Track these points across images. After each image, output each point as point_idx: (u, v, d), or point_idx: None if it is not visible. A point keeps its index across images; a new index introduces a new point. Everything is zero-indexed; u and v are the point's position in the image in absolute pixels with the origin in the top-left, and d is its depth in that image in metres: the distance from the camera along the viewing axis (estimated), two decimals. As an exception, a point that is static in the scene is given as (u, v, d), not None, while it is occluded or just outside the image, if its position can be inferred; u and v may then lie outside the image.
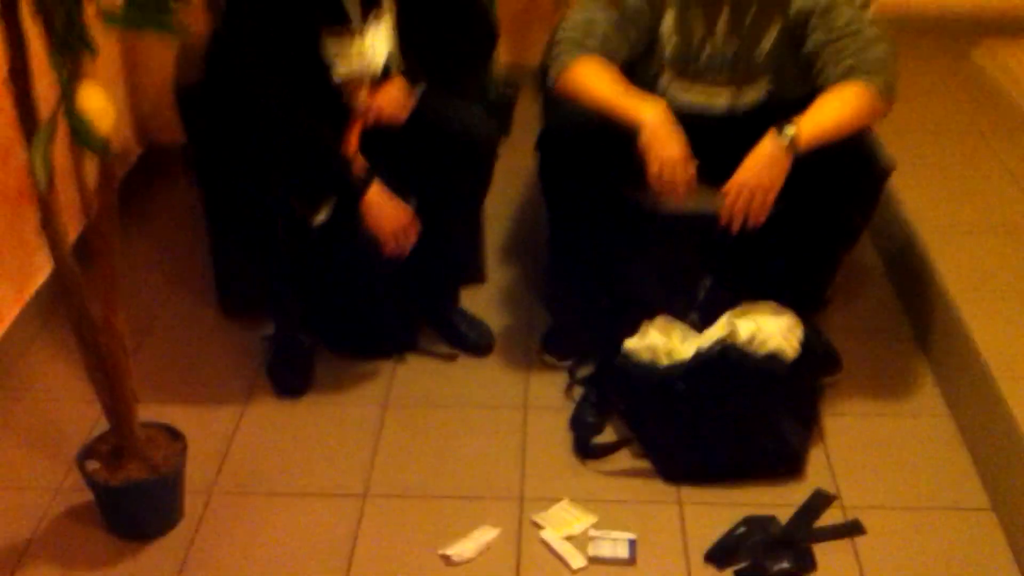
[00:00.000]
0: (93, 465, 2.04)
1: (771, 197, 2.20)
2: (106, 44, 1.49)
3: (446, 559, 2.07)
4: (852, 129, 2.22)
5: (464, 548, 2.09)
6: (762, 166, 2.19)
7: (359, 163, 2.38)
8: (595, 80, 2.31)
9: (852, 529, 2.13)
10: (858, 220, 2.42)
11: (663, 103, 2.26)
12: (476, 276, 2.86)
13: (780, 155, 2.18)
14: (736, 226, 2.23)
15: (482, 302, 2.77)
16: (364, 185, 2.31)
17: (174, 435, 2.12)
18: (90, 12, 1.52)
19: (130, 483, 2.03)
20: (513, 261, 2.99)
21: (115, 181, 1.74)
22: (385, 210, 2.32)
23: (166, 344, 2.68)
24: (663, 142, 2.22)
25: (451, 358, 2.61)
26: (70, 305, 1.84)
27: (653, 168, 2.22)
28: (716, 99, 2.43)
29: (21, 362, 2.59)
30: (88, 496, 2.11)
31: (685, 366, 2.25)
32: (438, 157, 2.43)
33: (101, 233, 1.79)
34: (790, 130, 2.17)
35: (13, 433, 2.39)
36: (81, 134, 1.50)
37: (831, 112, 2.22)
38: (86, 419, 2.35)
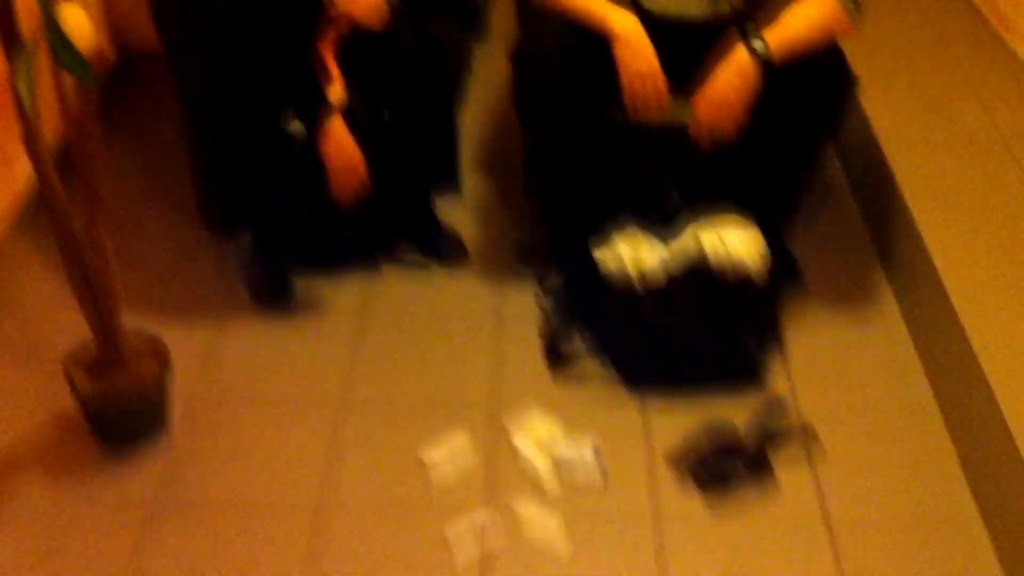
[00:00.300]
0: (78, 373, 2.09)
1: (740, 111, 2.25)
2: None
3: (420, 462, 2.16)
4: (820, 42, 2.25)
5: (438, 452, 2.18)
6: (731, 79, 2.23)
7: (333, 74, 2.41)
8: None
9: (806, 435, 2.23)
10: (822, 133, 2.47)
11: (633, 16, 2.27)
12: (450, 185, 2.88)
13: (749, 68, 2.22)
14: (706, 140, 2.28)
15: (456, 212, 2.82)
16: (325, 113, 2.33)
17: (157, 345, 2.17)
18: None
19: (115, 392, 2.10)
20: (488, 171, 3.03)
21: (95, 99, 1.76)
22: (336, 145, 2.35)
23: (147, 256, 2.71)
24: (635, 55, 2.25)
25: (425, 268, 2.67)
26: (54, 221, 1.88)
27: (625, 81, 2.27)
28: (688, 7, 2.44)
29: (4, 271, 2.62)
30: (73, 404, 2.16)
31: (650, 277, 2.32)
32: (412, 68, 2.45)
33: (82, 149, 1.82)
34: (758, 43, 2.21)
35: (-1, 342, 2.44)
36: (62, 56, 1.53)
37: (799, 24, 2.25)
38: (73, 327, 2.39)
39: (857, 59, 2.38)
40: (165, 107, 3.03)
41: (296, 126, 2.38)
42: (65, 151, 1.89)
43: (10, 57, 1.66)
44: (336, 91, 2.39)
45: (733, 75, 2.23)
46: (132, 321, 2.14)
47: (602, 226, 2.44)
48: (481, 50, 3.02)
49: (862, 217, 2.84)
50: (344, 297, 2.59)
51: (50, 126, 1.84)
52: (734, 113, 2.25)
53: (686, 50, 2.32)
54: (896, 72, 3.07)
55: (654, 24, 2.33)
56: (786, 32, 2.24)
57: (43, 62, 1.66)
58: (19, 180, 2.73)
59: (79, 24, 1.57)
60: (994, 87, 2.98)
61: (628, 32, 2.25)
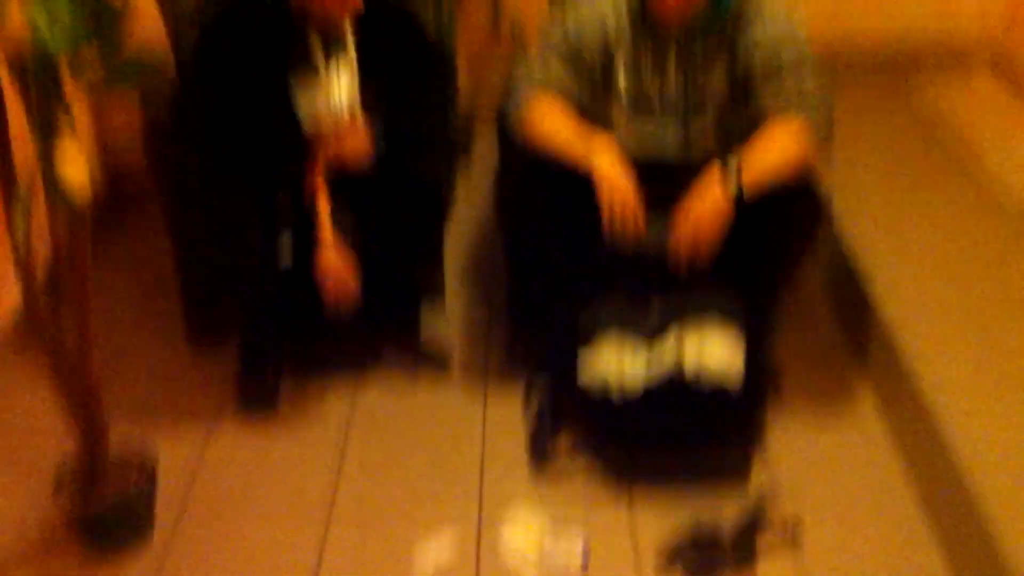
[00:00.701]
0: (67, 487, 2.13)
1: (715, 240, 2.32)
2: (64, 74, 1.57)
3: (408, 565, 2.18)
4: (791, 168, 2.33)
5: (425, 554, 2.20)
6: (705, 214, 2.30)
7: (323, 210, 2.47)
8: (550, 121, 2.42)
9: (789, 528, 2.26)
10: (799, 249, 2.52)
11: (615, 146, 2.36)
12: (436, 292, 2.94)
13: (723, 204, 2.29)
14: (683, 269, 2.37)
15: (442, 320, 2.86)
16: (318, 229, 2.40)
17: (144, 455, 2.20)
18: (64, 73, 1.59)
19: (101, 502, 2.12)
20: (473, 276, 3.09)
21: (87, 226, 1.82)
22: (329, 261, 2.42)
23: (134, 371, 2.74)
24: (615, 185, 2.33)
25: (412, 375, 2.71)
26: (43, 341, 1.92)
27: (606, 215, 2.34)
28: (666, 133, 2.53)
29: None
30: (61, 513, 2.19)
31: (636, 392, 2.37)
32: (398, 197, 2.52)
33: (73, 272, 1.87)
34: (732, 180, 2.29)
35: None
36: (57, 192, 1.58)
37: (772, 155, 2.33)
38: (61, 438, 2.42)
39: (832, 181, 2.46)
40: (152, 224, 3.08)
41: (286, 244, 2.44)
42: (55, 267, 1.92)
43: (6, 194, 1.72)
44: (325, 211, 2.45)
45: (708, 207, 2.30)
46: (120, 429, 2.18)
47: (585, 333, 2.49)
48: (467, 179, 3.11)
49: (839, 324, 2.89)
50: (331, 404, 2.63)
51: (40, 244, 1.87)
52: (709, 242, 2.33)
53: (662, 184, 2.40)
54: (869, 188, 3.14)
55: (632, 160, 2.41)
56: (758, 165, 2.31)
57: (36, 185, 1.71)
58: (10, 294, 2.77)
59: (74, 160, 1.62)
60: (960, 204, 3.06)
61: (608, 163, 2.33)
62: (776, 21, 2.40)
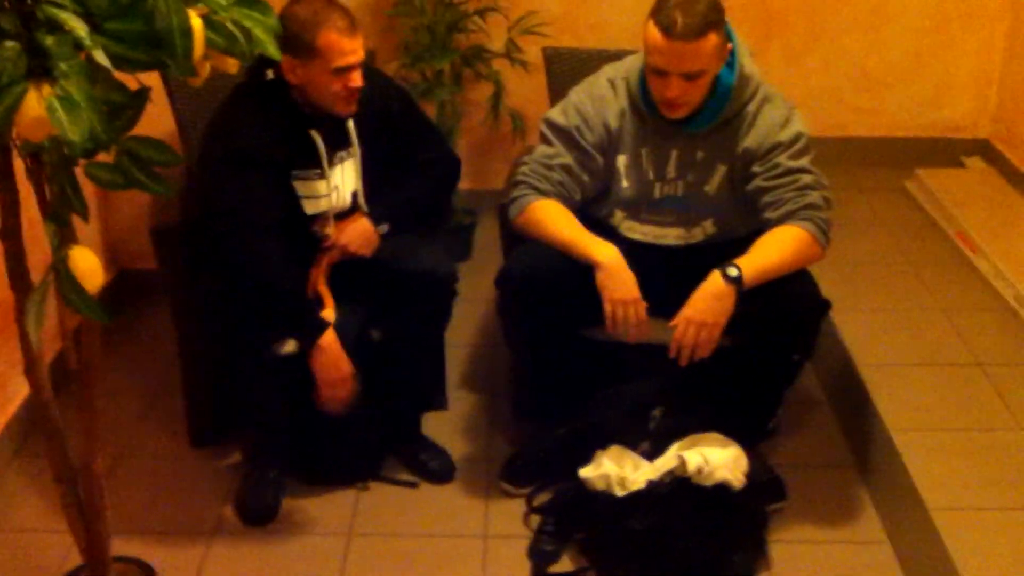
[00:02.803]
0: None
1: (716, 332, 2.34)
2: (78, 171, 1.60)
3: None
4: (790, 269, 2.38)
5: None
6: (708, 302, 2.34)
7: (326, 299, 2.50)
8: (551, 222, 2.46)
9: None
10: (798, 358, 2.55)
11: (614, 246, 2.40)
12: (438, 403, 2.95)
13: (725, 292, 2.33)
14: (684, 359, 2.37)
15: (443, 428, 2.86)
16: (319, 331, 2.41)
17: (146, 571, 2.19)
18: (78, 171, 1.61)
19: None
20: (474, 387, 3.08)
21: (98, 337, 1.84)
22: (329, 359, 2.42)
23: (137, 473, 2.74)
24: (616, 283, 2.37)
25: (412, 486, 2.70)
26: (50, 449, 1.92)
27: (607, 307, 2.37)
28: (664, 238, 2.58)
29: (-3, 493, 2.65)
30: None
31: (638, 498, 2.36)
32: (400, 296, 2.54)
33: (83, 381, 1.88)
34: (733, 271, 2.33)
35: (-15, 564, 2.44)
36: (73, 302, 1.59)
37: (771, 253, 2.38)
38: (59, 551, 2.40)
39: (833, 281, 2.50)
40: (157, 322, 3.11)
41: (290, 347, 2.45)
42: (60, 367, 1.93)
43: (20, 298, 1.73)
44: (328, 311, 2.47)
45: (711, 300, 2.34)
46: (120, 539, 2.15)
47: (588, 445, 2.49)
48: (469, 269, 3.14)
49: (840, 430, 2.89)
50: (332, 514, 2.60)
51: (49, 344, 1.89)
52: (711, 334, 2.35)
53: (664, 272, 2.44)
54: (869, 293, 3.18)
55: (634, 249, 2.45)
56: (758, 260, 2.36)
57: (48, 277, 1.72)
58: (13, 401, 2.77)
59: (90, 267, 1.64)
60: (962, 306, 3.10)
61: (610, 261, 2.37)
62: (774, 128, 2.46)
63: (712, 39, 2.31)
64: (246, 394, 2.59)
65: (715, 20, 2.31)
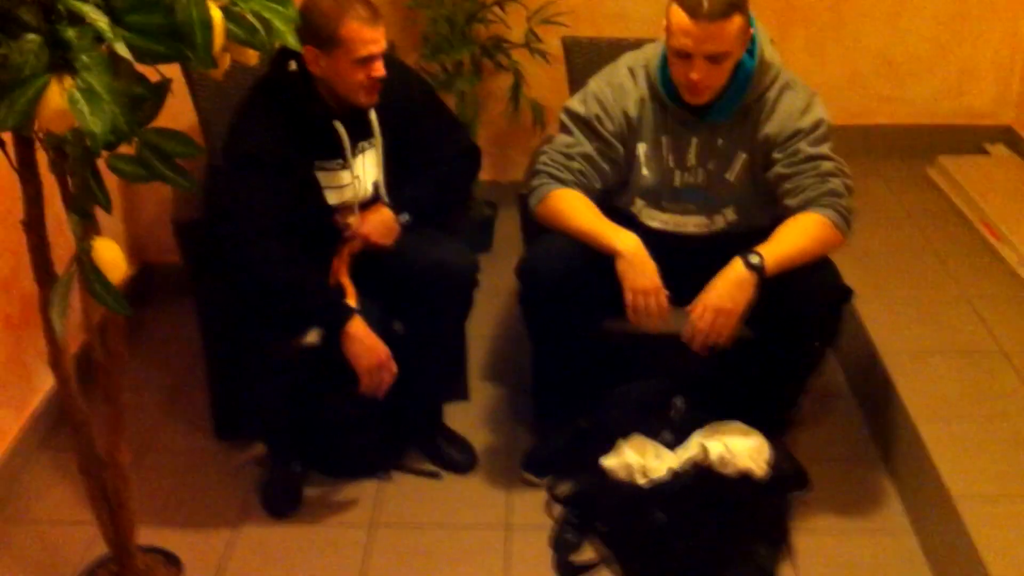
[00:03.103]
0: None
1: (734, 319, 2.32)
2: (101, 163, 1.60)
3: None
4: (812, 257, 2.37)
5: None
6: (728, 288, 2.32)
7: (349, 290, 2.51)
8: (571, 212, 2.45)
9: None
10: (820, 346, 2.54)
11: (635, 235, 2.39)
12: (459, 394, 2.95)
13: (746, 279, 2.31)
14: (698, 344, 2.35)
15: (465, 420, 2.86)
16: (346, 318, 2.40)
17: (172, 560, 2.20)
18: (101, 164, 1.61)
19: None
20: (496, 378, 3.09)
21: (123, 329, 1.85)
22: (363, 345, 2.41)
23: (161, 465, 2.76)
24: (637, 272, 2.35)
25: (435, 476, 2.70)
26: (77, 440, 1.93)
27: (628, 297, 2.36)
28: (685, 227, 2.57)
29: (18, 484, 2.66)
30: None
31: (661, 488, 2.36)
32: (421, 288, 2.54)
33: (108, 371, 1.89)
34: (755, 257, 2.31)
35: (11, 557, 2.45)
36: (96, 290, 1.61)
37: (792, 240, 2.37)
38: (84, 541, 2.42)
39: (856, 271, 2.48)
40: (181, 315, 3.13)
41: (313, 337, 2.45)
42: (85, 359, 1.94)
43: (45, 289, 1.74)
44: (352, 301, 2.48)
45: (731, 286, 2.32)
46: (145, 530, 2.17)
47: (610, 435, 2.49)
48: (489, 261, 3.13)
49: (864, 421, 2.88)
50: (356, 505, 2.61)
51: (73, 336, 1.89)
52: (730, 321, 2.33)
53: (685, 261, 2.43)
54: (893, 282, 3.16)
55: (654, 238, 2.45)
56: (780, 247, 2.35)
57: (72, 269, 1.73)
58: (38, 393, 2.80)
59: (113, 258, 1.65)
60: (987, 295, 3.08)
61: (631, 250, 2.36)
62: (794, 114, 2.45)
63: (737, 20, 2.29)
64: (268, 387, 2.59)
65: (739, 2, 2.30)
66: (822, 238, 2.38)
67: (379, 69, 2.39)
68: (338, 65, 2.37)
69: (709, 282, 2.35)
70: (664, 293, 2.37)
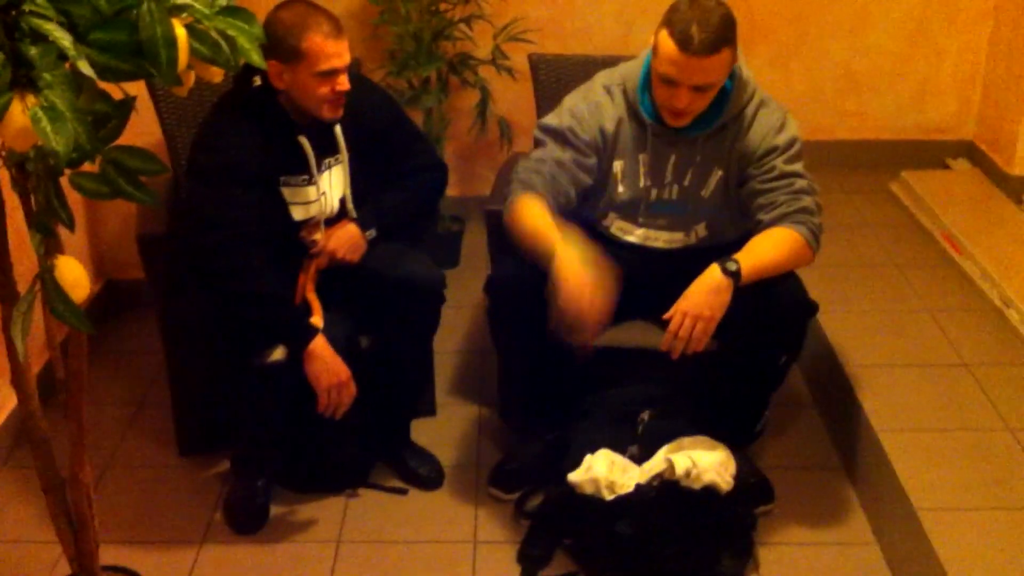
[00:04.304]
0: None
1: (712, 326, 2.32)
2: (63, 180, 1.59)
3: None
4: (783, 270, 2.39)
5: None
6: (705, 295, 2.32)
7: (315, 306, 2.50)
8: (527, 216, 2.39)
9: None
10: (785, 358, 2.56)
11: (579, 241, 2.31)
12: (426, 409, 2.95)
13: (723, 286, 2.31)
14: (677, 352, 2.34)
15: (432, 435, 2.86)
16: (310, 337, 2.40)
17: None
18: (63, 181, 1.61)
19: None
20: (463, 393, 3.09)
21: (85, 347, 1.84)
22: (324, 365, 2.41)
23: (125, 482, 2.74)
24: (567, 276, 2.24)
25: (402, 492, 2.70)
26: (38, 458, 1.92)
27: (558, 302, 2.26)
28: (657, 241, 2.58)
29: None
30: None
31: (627, 501, 2.37)
32: (388, 303, 2.54)
33: (69, 391, 1.88)
34: (732, 264, 2.32)
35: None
36: (58, 308, 1.60)
37: (767, 252, 2.38)
38: (47, 561, 2.40)
39: (819, 283, 2.50)
40: (144, 331, 3.11)
41: (277, 355, 2.44)
42: (48, 376, 1.93)
43: (6, 307, 1.73)
44: (317, 318, 2.47)
45: (709, 292, 2.32)
46: (108, 548, 2.15)
47: (577, 449, 2.49)
48: (456, 276, 3.14)
49: (827, 431, 2.91)
50: (321, 521, 2.61)
51: (34, 353, 1.88)
52: (709, 327, 2.33)
53: (655, 275, 2.44)
54: (855, 294, 3.20)
55: (627, 252, 2.45)
56: (755, 257, 2.36)
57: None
58: (1, 412, 2.77)
59: (76, 278, 1.64)
60: (948, 307, 3.12)
61: (567, 254, 2.28)
62: (770, 132, 2.47)
63: (725, 54, 2.30)
64: (234, 403, 2.58)
65: (729, 36, 2.30)
66: (794, 253, 2.40)
67: (343, 83, 2.39)
68: (301, 79, 2.37)
69: (685, 291, 2.34)
70: (601, 300, 2.26)
